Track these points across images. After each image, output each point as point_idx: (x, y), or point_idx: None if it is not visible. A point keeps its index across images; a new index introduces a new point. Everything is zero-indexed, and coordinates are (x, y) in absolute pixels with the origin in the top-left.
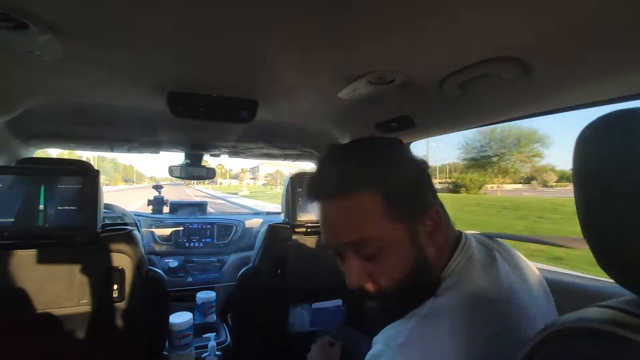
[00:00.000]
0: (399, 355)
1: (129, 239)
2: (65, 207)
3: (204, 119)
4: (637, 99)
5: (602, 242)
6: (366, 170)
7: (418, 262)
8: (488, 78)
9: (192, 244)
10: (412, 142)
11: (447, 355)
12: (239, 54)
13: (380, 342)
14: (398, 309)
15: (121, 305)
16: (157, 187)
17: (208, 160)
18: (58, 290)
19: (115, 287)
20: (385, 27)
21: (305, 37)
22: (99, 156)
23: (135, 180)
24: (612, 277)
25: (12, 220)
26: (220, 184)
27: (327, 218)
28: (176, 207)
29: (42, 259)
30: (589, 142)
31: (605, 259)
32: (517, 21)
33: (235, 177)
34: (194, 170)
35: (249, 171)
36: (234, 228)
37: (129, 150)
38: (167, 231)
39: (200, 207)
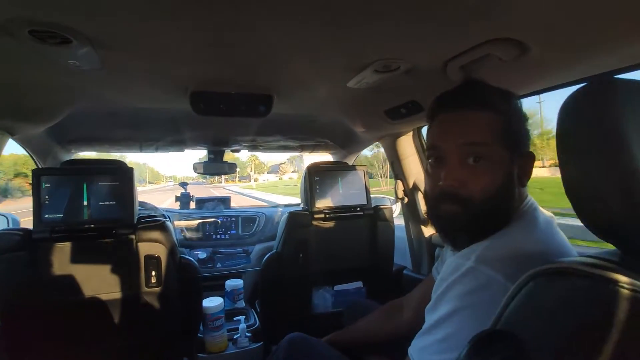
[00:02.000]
0: (476, 263)
1: (163, 228)
2: (106, 202)
3: (224, 115)
4: (634, 70)
5: (580, 198)
6: (500, 98)
7: (506, 189)
8: (488, 59)
9: (218, 236)
10: (422, 126)
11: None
12: (254, 52)
13: (457, 257)
14: (476, 221)
15: (158, 290)
16: (183, 185)
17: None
18: (102, 277)
19: (153, 273)
20: (388, 16)
21: (313, 32)
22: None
23: (149, 180)
24: (590, 230)
25: (61, 215)
26: (255, 180)
27: (452, 122)
28: (202, 202)
29: (87, 250)
30: (570, 110)
31: (583, 213)
32: (514, 2)
33: (274, 170)
34: (216, 166)
35: (288, 162)
36: (257, 220)
37: (157, 149)
38: (194, 224)
39: (224, 201)
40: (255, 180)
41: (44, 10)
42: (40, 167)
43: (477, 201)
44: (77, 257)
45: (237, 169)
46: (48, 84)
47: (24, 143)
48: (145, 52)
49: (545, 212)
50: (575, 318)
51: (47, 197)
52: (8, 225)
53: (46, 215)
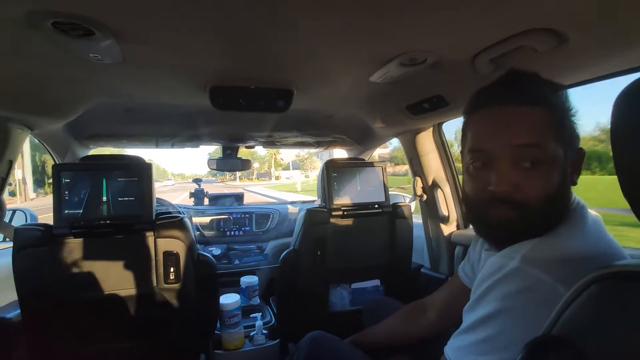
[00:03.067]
0: (523, 263)
1: (181, 225)
2: (125, 198)
3: (243, 110)
4: None
5: (638, 193)
6: (551, 91)
7: (561, 189)
8: (521, 51)
9: (232, 233)
10: (444, 121)
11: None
12: (275, 45)
13: (500, 256)
14: (532, 225)
15: (177, 286)
16: (197, 181)
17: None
18: (121, 273)
19: (171, 270)
20: (417, 7)
21: (339, 23)
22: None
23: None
24: None
25: (80, 211)
26: (277, 177)
27: (502, 120)
28: (215, 198)
29: (107, 246)
30: (628, 103)
31: None
32: None
33: (295, 166)
34: (230, 162)
35: (317, 156)
36: (271, 216)
37: (173, 145)
38: (209, 220)
39: (238, 197)
40: (277, 178)
41: (68, 1)
42: (59, 163)
43: (534, 205)
44: (97, 253)
45: (255, 165)
46: (68, 78)
47: (42, 139)
48: (167, 45)
49: (591, 211)
50: None
51: (66, 192)
52: (26, 221)
53: (66, 211)
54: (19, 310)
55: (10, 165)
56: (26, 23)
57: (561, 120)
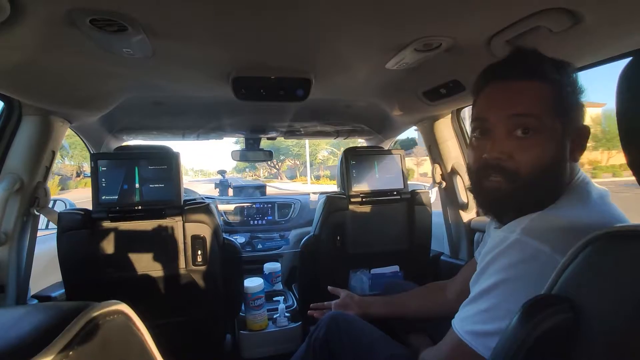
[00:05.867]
0: (523, 235)
1: (208, 210)
2: (155, 185)
3: (263, 99)
4: None
5: None
6: (551, 67)
7: (556, 163)
8: (536, 32)
9: (256, 222)
10: (462, 108)
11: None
12: (295, 33)
13: (503, 230)
14: (522, 195)
15: (204, 268)
16: (222, 172)
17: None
18: (152, 255)
19: (198, 252)
20: None
21: (354, 11)
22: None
23: None
24: None
25: (116, 197)
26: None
27: (499, 93)
28: (239, 189)
29: (140, 230)
30: (632, 77)
31: None
32: None
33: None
34: (253, 154)
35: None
36: (293, 206)
37: (198, 137)
38: (233, 208)
39: (260, 188)
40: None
41: None
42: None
43: (524, 175)
44: (130, 236)
45: (284, 158)
46: (104, 72)
47: (80, 131)
48: (193, 39)
49: (598, 186)
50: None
51: (103, 180)
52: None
53: (103, 197)
54: (62, 290)
55: (53, 155)
56: (67, 21)
57: (560, 94)
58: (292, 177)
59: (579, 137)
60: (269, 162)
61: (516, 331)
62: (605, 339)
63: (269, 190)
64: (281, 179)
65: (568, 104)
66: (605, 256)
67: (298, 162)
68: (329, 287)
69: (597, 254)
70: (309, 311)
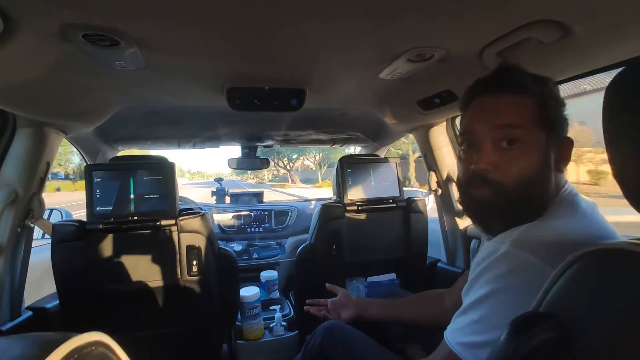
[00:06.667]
0: (512, 247)
1: (202, 220)
2: (150, 195)
3: (258, 109)
4: None
5: (630, 181)
6: (534, 82)
7: (541, 173)
8: (527, 43)
9: (253, 229)
10: (456, 116)
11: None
12: (288, 45)
13: (493, 242)
14: (509, 206)
15: (199, 278)
16: (219, 180)
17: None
18: (147, 266)
19: (194, 262)
20: (423, 3)
21: (347, 22)
22: None
23: None
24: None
25: (110, 208)
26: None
27: (486, 107)
28: (236, 197)
29: (134, 240)
30: (619, 88)
31: (633, 196)
32: None
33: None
34: (249, 162)
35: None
36: (290, 214)
37: (194, 146)
38: (230, 216)
39: (257, 196)
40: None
41: (96, 15)
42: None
43: (510, 186)
44: (125, 246)
45: (296, 157)
46: (97, 85)
47: (75, 142)
48: (186, 52)
49: (586, 197)
50: (624, 299)
51: (98, 191)
52: (62, 219)
53: (97, 208)
54: (57, 301)
55: (48, 166)
56: (60, 36)
57: (544, 107)
58: (309, 181)
59: (563, 148)
60: (277, 162)
61: (505, 348)
62: (592, 356)
63: (279, 197)
64: (294, 182)
65: (551, 116)
66: (591, 274)
67: (318, 157)
68: (327, 285)
69: (584, 272)
70: (304, 307)
